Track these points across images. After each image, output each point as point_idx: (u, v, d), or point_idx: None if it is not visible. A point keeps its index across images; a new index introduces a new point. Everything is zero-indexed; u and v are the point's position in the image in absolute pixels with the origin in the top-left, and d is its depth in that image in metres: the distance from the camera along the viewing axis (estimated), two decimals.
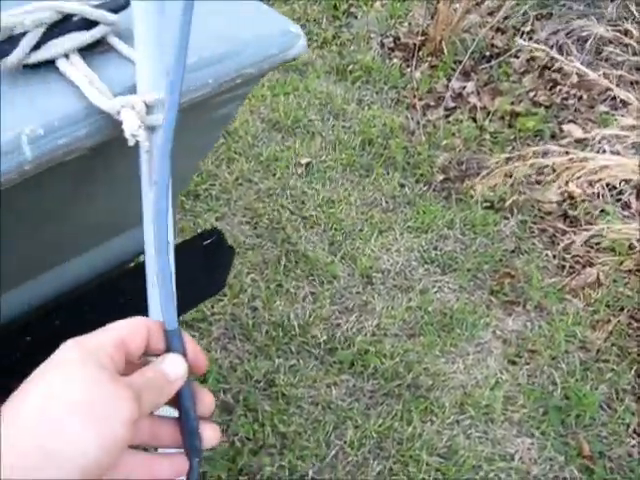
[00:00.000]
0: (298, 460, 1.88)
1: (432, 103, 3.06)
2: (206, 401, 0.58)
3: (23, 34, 0.73)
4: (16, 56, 0.72)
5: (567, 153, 2.62)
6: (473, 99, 3.05)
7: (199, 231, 2.26)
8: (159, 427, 0.56)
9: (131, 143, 0.65)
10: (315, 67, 3.20)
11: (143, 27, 0.67)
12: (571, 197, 2.63)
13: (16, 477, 0.43)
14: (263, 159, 2.70)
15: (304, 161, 2.72)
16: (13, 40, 0.72)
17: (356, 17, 3.55)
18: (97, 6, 0.76)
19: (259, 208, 2.51)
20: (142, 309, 1.14)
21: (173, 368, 0.54)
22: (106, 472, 0.48)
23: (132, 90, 0.72)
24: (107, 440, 0.47)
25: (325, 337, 2.15)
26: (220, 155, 2.67)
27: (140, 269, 1.21)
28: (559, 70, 3.17)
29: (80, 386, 0.47)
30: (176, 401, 0.56)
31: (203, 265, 0.95)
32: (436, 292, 2.33)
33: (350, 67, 3.20)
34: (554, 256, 2.48)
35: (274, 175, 2.65)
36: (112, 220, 1.05)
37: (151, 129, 0.69)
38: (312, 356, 2.11)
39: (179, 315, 1.24)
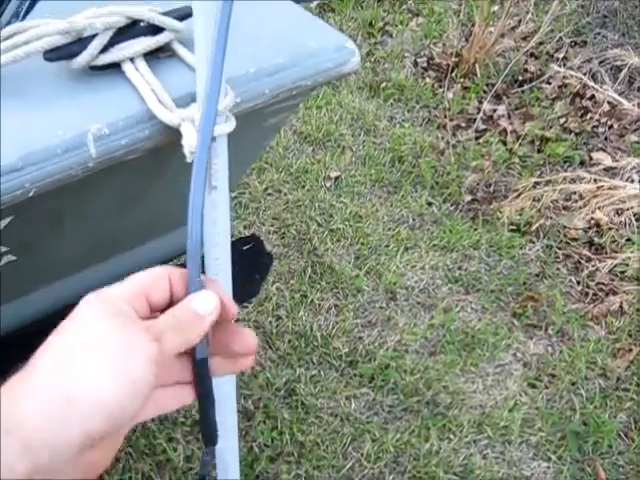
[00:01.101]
0: (315, 470, 1.89)
1: (463, 124, 3.09)
2: (244, 340, 0.56)
3: (93, 36, 0.76)
4: (85, 57, 0.75)
5: (595, 181, 2.64)
6: (504, 122, 3.07)
7: (239, 236, 2.29)
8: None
9: (189, 160, 0.67)
10: (349, 83, 3.23)
11: (202, 36, 0.69)
12: (598, 224, 2.63)
13: (42, 425, 0.43)
14: (293, 171, 2.74)
15: (333, 175, 2.75)
16: (83, 42, 0.76)
17: (391, 35, 3.58)
18: (164, 13, 0.79)
19: (287, 219, 2.54)
20: None
21: (202, 304, 0.52)
22: (136, 416, 0.48)
23: (193, 97, 0.75)
24: (128, 383, 0.46)
25: (347, 349, 2.17)
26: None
27: None
28: (591, 98, 3.18)
29: (99, 335, 0.47)
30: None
31: (241, 270, 0.98)
32: (459, 311, 2.34)
33: (383, 84, 3.23)
34: (578, 282, 2.48)
35: (303, 187, 2.68)
36: (155, 222, 1.08)
37: (212, 139, 0.72)
38: (333, 368, 2.13)
39: None
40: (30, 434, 0.43)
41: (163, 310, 0.52)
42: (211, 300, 0.53)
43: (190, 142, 0.67)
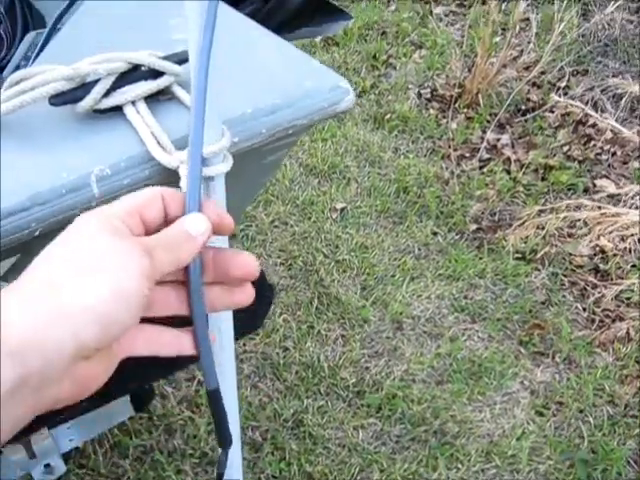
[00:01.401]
0: None
1: (467, 154, 3.12)
2: (243, 262, 0.56)
3: (96, 81, 0.79)
4: (88, 102, 0.79)
5: (599, 208, 2.66)
6: (508, 151, 3.10)
7: None
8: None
9: None
10: (353, 115, 3.27)
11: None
12: (602, 251, 2.64)
13: (31, 331, 0.43)
14: (299, 203, 2.77)
15: (339, 206, 2.78)
16: (87, 86, 0.79)
17: (395, 68, 3.63)
18: (164, 57, 0.83)
19: (294, 250, 2.57)
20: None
21: (194, 224, 0.53)
22: (127, 328, 0.48)
23: None
24: (119, 294, 0.46)
25: (354, 380, 2.18)
26: (258, 197, 2.74)
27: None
28: (593, 125, 3.21)
29: (92, 248, 0.48)
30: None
31: None
32: (465, 340, 2.35)
33: (387, 116, 3.27)
34: (584, 309, 2.49)
35: (309, 219, 2.71)
36: None
37: (209, 179, 0.75)
38: (340, 398, 2.14)
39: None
40: (19, 338, 0.43)
41: (158, 230, 0.53)
42: (203, 222, 0.53)
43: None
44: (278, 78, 0.88)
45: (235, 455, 1.19)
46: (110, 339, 0.47)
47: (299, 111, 0.84)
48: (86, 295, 0.45)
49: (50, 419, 1.12)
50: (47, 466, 1.44)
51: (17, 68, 1.36)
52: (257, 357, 2.20)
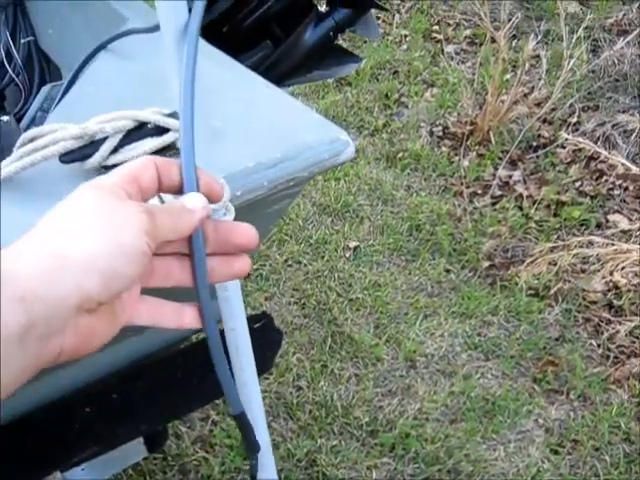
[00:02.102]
0: None
1: (479, 191, 3.14)
2: (243, 231, 0.59)
3: (104, 139, 0.83)
4: (96, 159, 0.82)
5: (612, 244, 2.66)
6: (520, 188, 3.12)
7: (250, 314, 2.35)
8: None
9: None
10: (366, 154, 3.31)
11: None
12: (616, 287, 2.64)
13: (34, 279, 0.45)
14: (313, 242, 2.80)
15: (352, 245, 2.80)
16: (95, 144, 0.83)
17: (407, 106, 3.68)
18: (168, 114, 0.86)
19: (307, 289, 2.59)
20: (195, 386, 1.22)
21: (192, 200, 0.56)
22: (129, 284, 0.50)
23: None
24: (120, 248, 0.48)
25: (367, 419, 2.19)
26: (271, 237, 2.78)
27: (197, 346, 1.29)
28: (605, 161, 3.23)
29: (94, 208, 0.50)
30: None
31: (253, 347, 1.03)
32: (479, 378, 2.35)
33: (400, 154, 3.31)
34: (598, 345, 2.49)
35: (323, 257, 2.74)
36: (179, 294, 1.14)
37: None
38: (354, 437, 2.15)
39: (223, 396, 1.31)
40: (25, 286, 0.44)
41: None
42: (200, 199, 0.56)
43: None
44: (279, 131, 0.91)
45: (267, 459, 1.21)
46: (112, 293, 0.49)
47: (300, 164, 0.87)
48: (88, 247, 0.47)
49: (63, 462, 1.14)
50: None
51: (33, 119, 1.41)
52: (271, 397, 2.21)
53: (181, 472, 2.01)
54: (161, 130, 0.85)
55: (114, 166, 0.84)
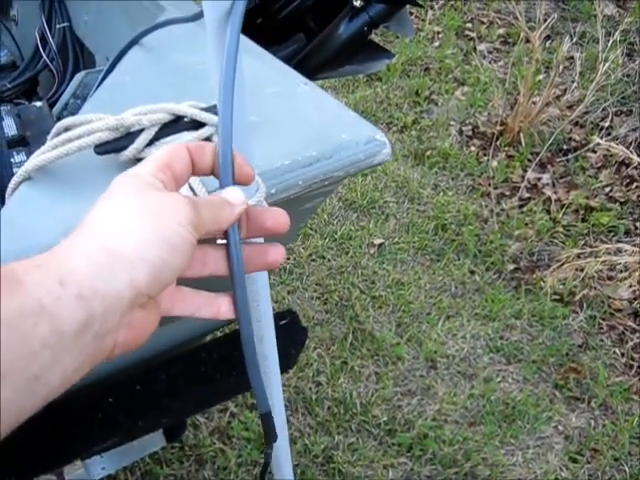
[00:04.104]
0: None
1: (507, 192, 3.11)
2: (275, 215, 0.60)
3: (139, 131, 0.82)
4: (132, 151, 0.81)
5: None
6: (548, 191, 3.09)
7: (273, 308, 2.34)
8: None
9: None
10: (394, 150, 3.29)
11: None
12: None
13: (90, 276, 0.45)
14: (337, 237, 2.79)
15: (377, 242, 2.79)
16: (130, 136, 0.82)
17: (437, 104, 3.65)
18: (205, 109, 0.85)
19: (330, 285, 2.58)
20: (218, 381, 1.22)
21: (232, 194, 0.57)
22: (176, 275, 0.51)
23: None
24: (166, 237, 0.49)
25: (386, 418, 2.17)
26: None
27: (221, 341, 1.29)
28: (637, 167, 3.18)
29: (135, 201, 0.50)
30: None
31: (277, 343, 1.02)
32: (500, 382, 2.33)
33: (428, 152, 3.28)
34: (622, 354, 2.45)
35: (347, 253, 2.73)
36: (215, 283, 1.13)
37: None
38: (371, 436, 2.14)
39: (248, 390, 1.30)
40: (81, 284, 0.44)
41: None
42: (240, 194, 0.57)
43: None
44: (315, 129, 0.90)
45: (284, 458, 1.21)
46: (161, 286, 0.49)
47: (335, 163, 0.86)
48: (136, 241, 0.48)
49: (84, 451, 1.14)
50: None
51: (66, 106, 1.41)
52: (290, 391, 2.21)
53: (197, 462, 2.02)
54: (197, 124, 0.84)
55: None
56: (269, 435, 0.70)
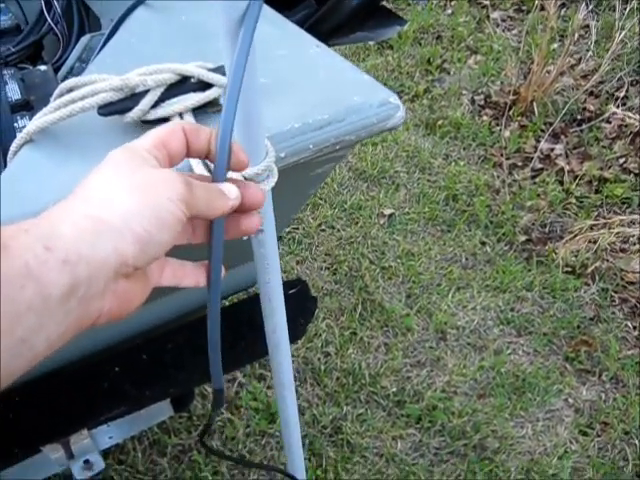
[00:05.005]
0: None
1: (519, 163, 3.07)
2: (252, 191, 0.61)
3: (145, 92, 0.79)
4: (136, 113, 0.78)
5: None
6: (561, 162, 3.04)
7: (283, 278, 2.32)
8: None
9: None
10: (405, 120, 3.24)
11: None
12: None
13: (77, 240, 0.46)
14: (347, 207, 2.76)
15: (387, 212, 2.76)
16: (135, 97, 0.79)
17: (449, 73, 3.59)
18: (212, 69, 0.82)
19: (340, 255, 2.56)
20: (225, 351, 1.20)
21: (228, 189, 0.58)
22: (163, 250, 0.51)
23: None
24: (155, 212, 0.50)
25: (395, 389, 2.16)
26: None
27: (228, 311, 1.27)
28: None
29: (129, 174, 0.51)
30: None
31: (286, 313, 1.00)
32: (510, 354, 2.31)
33: (439, 122, 3.23)
34: (634, 327, 2.43)
35: (356, 223, 2.70)
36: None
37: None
38: (380, 407, 2.12)
39: (260, 358, 1.29)
40: (67, 249, 0.45)
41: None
42: (235, 191, 0.58)
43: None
44: (327, 92, 0.86)
45: (297, 456, 1.20)
46: (148, 259, 0.50)
47: (347, 127, 0.83)
48: (126, 211, 0.49)
49: (90, 420, 1.13)
50: (86, 462, 1.46)
51: (71, 70, 1.38)
52: (298, 361, 2.20)
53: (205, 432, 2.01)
54: (204, 85, 0.81)
55: (155, 121, 0.81)
56: (216, 406, 0.72)
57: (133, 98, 0.79)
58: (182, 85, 0.81)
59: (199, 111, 0.82)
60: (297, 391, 2.12)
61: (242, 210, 0.61)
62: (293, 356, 2.20)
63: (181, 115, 0.80)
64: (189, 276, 0.61)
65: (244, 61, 0.57)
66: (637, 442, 2.10)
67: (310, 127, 0.81)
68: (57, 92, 0.83)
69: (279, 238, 2.56)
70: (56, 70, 1.42)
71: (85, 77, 0.82)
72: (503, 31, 3.89)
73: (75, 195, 0.50)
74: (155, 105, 0.80)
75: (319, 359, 2.21)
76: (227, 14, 0.57)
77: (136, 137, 0.80)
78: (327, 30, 1.60)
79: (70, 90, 0.82)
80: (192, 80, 0.81)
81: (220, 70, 0.83)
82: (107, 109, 0.79)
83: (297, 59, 0.92)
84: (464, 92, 3.46)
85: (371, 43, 3.62)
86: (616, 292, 2.54)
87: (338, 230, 2.66)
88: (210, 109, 0.83)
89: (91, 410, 1.07)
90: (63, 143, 0.80)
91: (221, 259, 0.60)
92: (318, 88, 0.87)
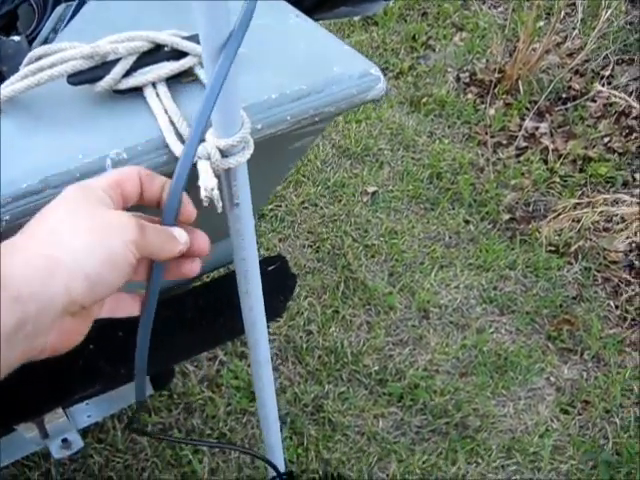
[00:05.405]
0: None
1: (504, 141, 3.05)
2: (200, 239, 0.63)
3: (116, 61, 0.76)
4: (107, 82, 0.76)
5: (638, 204, 2.58)
6: (546, 140, 3.03)
7: (263, 255, 2.30)
8: None
9: (204, 201, 0.66)
10: (389, 97, 3.22)
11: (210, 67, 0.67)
12: (639, 248, 2.57)
13: (30, 278, 0.47)
14: (330, 184, 2.73)
15: (371, 190, 2.74)
16: (106, 66, 0.76)
17: (434, 50, 3.56)
18: (187, 38, 0.79)
19: (322, 233, 2.54)
20: (205, 328, 1.18)
21: (179, 233, 0.60)
22: (111, 292, 0.53)
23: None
24: (108, 255, 0.51)
25: (377, 367, 2.15)
26: (288, 177, 2.71)
27: (208, 287, 1.24)
28: (636, 117, 3.12)
29: (84, 214, 0.53)
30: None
31: (265, 290, 0.97)
32: (492, 332, 2.31)
33: (424, 99, 3.21)
34: (616, 306, 2.43)
35: (340, 201, 2.68)
36: None
37: (229, 169, 0.71)
38: (362, 385, 2.12)
39: (240, 335, 1.27)
40: (19, 286, 0.46)
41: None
42: (185, 235, 0.61)
43: (206, 183, 0.66)
44: (306, 62, 0.84)
45: (275, 436, 1.19)
46: (95, 298, 0.52)
47: (326, 98, 0.81)
48: (79, 252, 0.50)
49: (64, 399, 1.11)
50: (64, 441, 1.44)
51: (46, 40, 1.34)
52: (280, 340, 2.18)
53: (186, 410, 1.99)
54: (179, 54, 0.79)
55: (126, 90, 0.78)
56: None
57: (104, 67, 0.76)
58: (155, 54, 0.78)
59: (173, 81, 0.79)
60: (278, 369, 2.11)
61: (187, 255, 0.62)
62: (275, 334, 2.19)
63: (154, 84, 0.78)
64: (124, 308, 0.63)
65: (215, 95, 0.60)
66: (617, 421, 2.10)
67: (288, 98, 0.79)
68: (26, 60, 0.80)
69: (261, 215, 2.54)
70: (31, 41, 1.38)
71: (54, 45, 0.79)
72: (489, 8, 3.85)
73: (30, 228, 0.52)
74: (127, 74, 0.77)
75: (301, 337, 2.20)
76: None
77: (108, 107, 0.78)
78: (310, 4, 1.57)
79: (39, 58, 0.79)
80: (166, 49, 0.78)
81: (195, 39, 0.80)
82: (77, 78, 0.76)
83: (275, 28, 0.90)
84: (449, 69, 3.43)
85: (356, 19, 3.57)
86: (599, 271, 2.54)
87: (321, 208, 2.64)
88: (184, 79, 0.80)
89: (65, 389, 1.05)
90: (33, 113, 0.77)
91: (157, 297, 0.62)
92: (297, 58, 0.85)
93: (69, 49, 0.76)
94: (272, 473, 1.26)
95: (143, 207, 0.63)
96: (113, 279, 0.52)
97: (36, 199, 0.70)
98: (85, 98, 0.77)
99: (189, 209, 0.62)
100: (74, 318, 0.53)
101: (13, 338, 0.46)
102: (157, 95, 0.76)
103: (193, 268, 0.64)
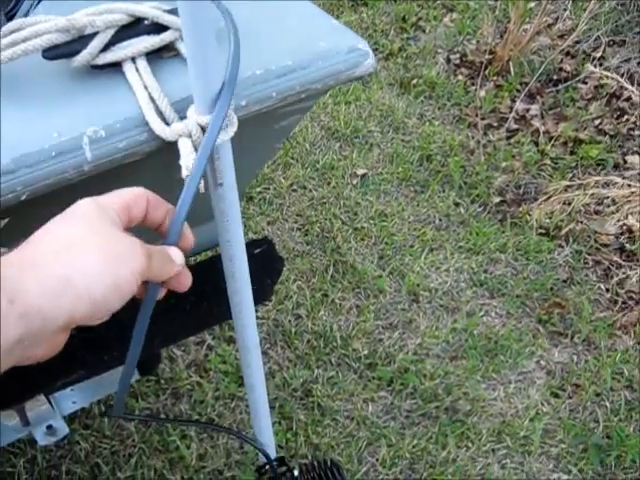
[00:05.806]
0: None
1: (494, 123, 3.02)
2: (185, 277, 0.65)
3: (94, 34, 0.73)
4: (85, 56, 0.72)
5: (629, 186, 2.57)
6: (536, 122, 3.01)
7: (251, 238, 2.26)
8: None
9: (184, 177, 0.65)
10: (379, 78, 3.18)
11: (192, 44, 0.63)
12: (630, 231, 2.56)
13: (34, 301, 0.49)
14: (319, 167, 2.70)
15: (360, 172, 2.71)
16: (84, 39, 0.73)
17: (424, 31, 3.53)
18: (168, 11, 0.76)
19: (311, 216, 2.51)
20: (188, 313, 1.15)
21: (175, 254, 0.62)
22: (108, 315, 0.55)
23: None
24: (116, 282, 0.53)
25: (366, 351, 2.13)
26: (277, 160, 2.68)
27: (192, 271, 1.21)
28: (628, 99, 3.10)
29: (99, 235, 0.54)
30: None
31: (252, 273, 0.95)
32: (483, 316, 2.29)
33: (414, 81, 3.17)
34: (607, 290, 2.42)
35: (329, 184, 2.65)
36: None
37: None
38: (351, 369, 2.10)
39: (227, 319, 1.24)
40: (29, 304, 0.48)
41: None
42: (181, 256, 0.63)
43: (188, 162, 0.64)
44: (292, 36, 0.81)
45: (265, 422, 1.17)
46: (94, 319, 0.54)
47: (312, 74, 0.78)
48: (93, 277, 0.51)
49: (46, 387, 1.08)
50: (49, 427, 1.41)
51: (25, 17, 1.30)
52: (269, 324, 2.16)
53: (174, 396, 1.97)
54: (159, 28, 0.75)
55: (104, 66, 0.75)
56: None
57: (81, 41, 0.73)
58: (135, 27, 0.75)
59: (153, 56, 0.76)
60: (267, 354, 2.09)
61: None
62: (264, 319, 2.17)
63: (134, 60, 0.74)
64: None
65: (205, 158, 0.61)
66: (608, 404, 2.10)
67: (273, 74, 0.76)
68: None
69: (249, 198, 2.50)
70: (10, 18, 1.34)
71: (29, 18, 0.75)
72: None
73: (44, 243, 0.52)
74: (105, 48, 0.74)
75: (290, 321, 2.17)
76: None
77: (85, 83, 0.75)
78: None
79: (13, 32, 0.76)
80: (146, 22, 0.75)
81: (176, 12, 0.76)
82: (53, 52, 0.73)
83: (262, 3, 0.86)
84: (439, 51, 3.40)
85: None
86: (589, 254, 2.52)
87: (310, 190, 2.61)
88: (165, 54, 0.77)
89: (46, 376, 1.02)
90: (6, 89, 0.73)
91: (149, 314, 0.63)
92: (283, 33, 0.82)
93: (44, 22, 0.73)
94: (262, 458, 1.23)
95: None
96: (114, 303, 0.54)
97: (10, 178, 0.67)
98: (61, 73, 0.74)
99: (188, 236, 0.65)
100: (65, 332, 0.54)
101: (11, 350, 0.48)
102: (137, 70, 0.73)
103: (183, 282, 0.65)
